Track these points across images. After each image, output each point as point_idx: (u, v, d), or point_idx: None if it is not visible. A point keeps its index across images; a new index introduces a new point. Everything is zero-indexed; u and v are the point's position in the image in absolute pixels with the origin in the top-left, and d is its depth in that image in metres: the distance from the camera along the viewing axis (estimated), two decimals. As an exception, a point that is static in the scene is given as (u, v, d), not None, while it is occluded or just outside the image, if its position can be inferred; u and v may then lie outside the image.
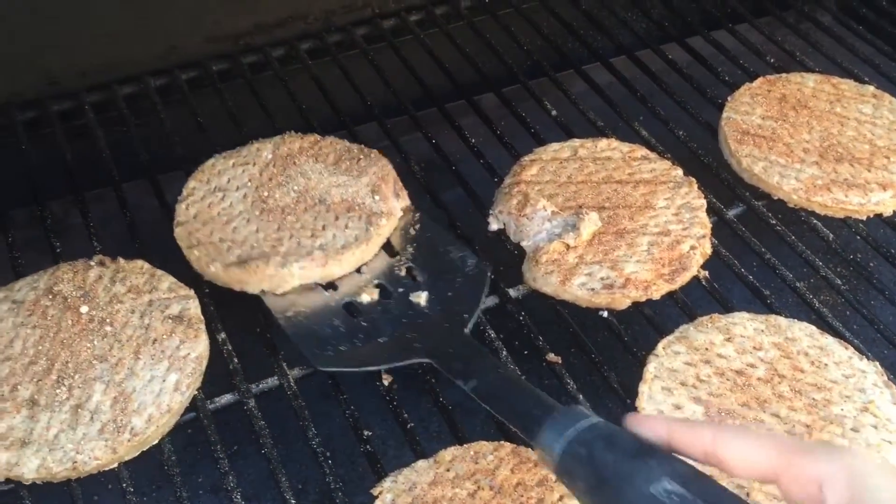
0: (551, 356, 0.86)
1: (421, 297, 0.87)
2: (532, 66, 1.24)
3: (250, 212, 0.92)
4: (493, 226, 0.97)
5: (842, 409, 0.78)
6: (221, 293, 0.92)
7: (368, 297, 0.88)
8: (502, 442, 0.76)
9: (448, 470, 0.74)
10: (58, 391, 0.79)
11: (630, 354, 0.86)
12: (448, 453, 0.75)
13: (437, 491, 0.72)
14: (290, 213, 0.91)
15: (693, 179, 0.98)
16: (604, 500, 0.55)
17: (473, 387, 0.73)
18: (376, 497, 0.73)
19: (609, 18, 1.33)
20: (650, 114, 1.14)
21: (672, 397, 0.79)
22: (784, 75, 1.14)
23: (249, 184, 0.95)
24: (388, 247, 0.93)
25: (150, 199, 1.04)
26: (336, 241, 0.89)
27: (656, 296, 0.88)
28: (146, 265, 0.90)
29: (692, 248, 0.90)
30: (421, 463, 0.75)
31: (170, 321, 0.85)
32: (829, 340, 0.84)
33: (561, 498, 0.72)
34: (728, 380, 0.80)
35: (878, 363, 0.83)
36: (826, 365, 0.82)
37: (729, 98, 1.11)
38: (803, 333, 0.85)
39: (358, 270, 0.90)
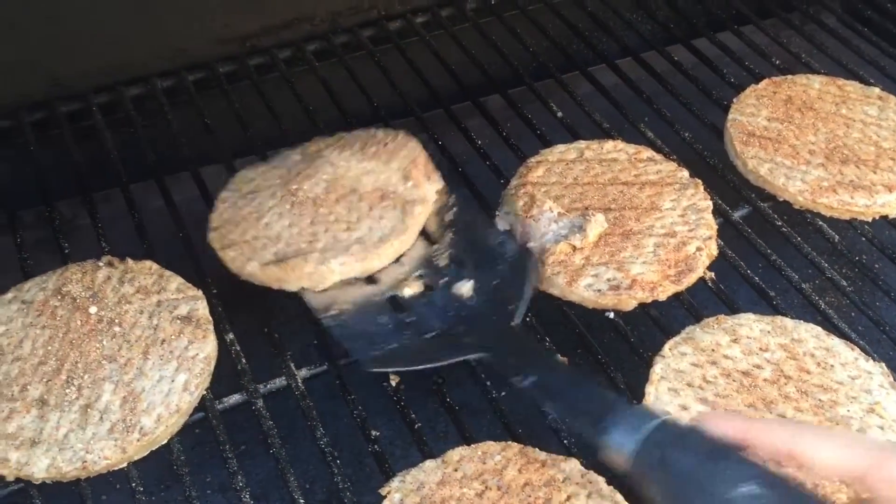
0: (558, 357, 0.86)
1: (465, 288, 0.84)
2: (538, 68, 1.24)
3: (281, 206, 0.89)
4: (500, 227, 0.97)
5: (848, 411, 0.78)
6: (230, 294, 0.92)
7: (411, 290, 0.85)
8: (510, 442, 0.77)
9: (456, 470, 0.74)
10: (67, 391, 0.80)
11: (636, 355, 0.86)
12: (456, 453, 0.76)
13: (445, 491, 0.73)
14: (321, 204, 0.88)
15: (699, 181, 0.98)
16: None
17: (531, 383, 0.69)
18: (384, 497, 0.73)
19: (614, 20, 1.33)
20: (656, 115, 1.15)
21: (678, 398, 0.80)
22: (789, 77, 1.14)
23: (279, 181, 0.92)
24: (424, 232, 0.90)
25: (157, 200, 1.05)
26: (373, 234, 0.86)
27: (662, 297, 0.88)
28: (154, 266, 0.91)
29: (698, 249, 0.91)
30: (429, 463, 0.76)
31: (178, 322, 0.85)
32: (835, 342, 0.84)
33: (568, 498, 0.72)
34: (734, 381, 0.81)
35: (884, 364, 0.83)
36: (832, 366, 0.82)
37: (734, 100, 1.11)
38: (809, 335, 0.85)
39: (397, 259, 0.87)
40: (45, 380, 0.81)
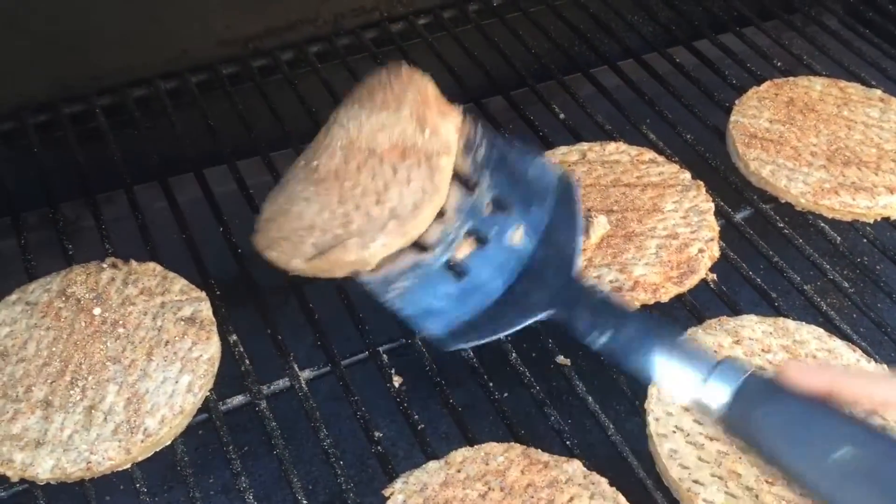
0: (560, 358, 0.87)
1: (517, 236, 0.77)
2: (540, 70, 1.24)
3: (306, 189, 0.82)
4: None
5: (850, 412, 0.78)
6: (233, 295, 0.92)
7: (464, 250, 0.79)
8: (512, 443, 0.77)
9: (459, 471, 0.75)
10: (71, 392, 0.80)
11: (639, 357, 0.86)
12: (459, 454, 0.76)
13: (448, 492, 0.73)
14: (344, 177, 0.81)
15: (701, 183, 0.99)
16: (779, 465, 0.53)
17: (607, 340, 0.64)
18: (388, 498, 0.74)
19: (616, 22, 1.34)
20: (658, 117, 1.15)
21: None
22: (791, 79, 1.14)
23: (303, 162, 0.85)
24: (456, 174, 0.81)
25: (160, 202, 1.05)
26: (405, 201, 0.78)
27: (665, 298, 0.88)
28: (158, 267, 0.91)
29: (700, 250, 0.91)
30: (432, 464, 0.76)
31: (182, 323, 0.86)
32: (836, 343, 0.85)
33: (571, 499, 0.72)
34: (736, 382, 0.81)
35: (885, 366, 0.83)
36: (834, 367, 0.82)
37: (736, 101, 1.11)
38: (811, 336, 0.85)
39: (439, 214, 0.80)
40: (49, 381, 0.81)
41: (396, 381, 0.85)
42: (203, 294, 0.89)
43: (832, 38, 1.29)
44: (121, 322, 0.86)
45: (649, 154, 1.03)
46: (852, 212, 0.98)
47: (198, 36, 1.22)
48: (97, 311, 0.86)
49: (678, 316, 0.89)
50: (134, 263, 0.91)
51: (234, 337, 0.88)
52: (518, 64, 1.24)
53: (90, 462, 0.76)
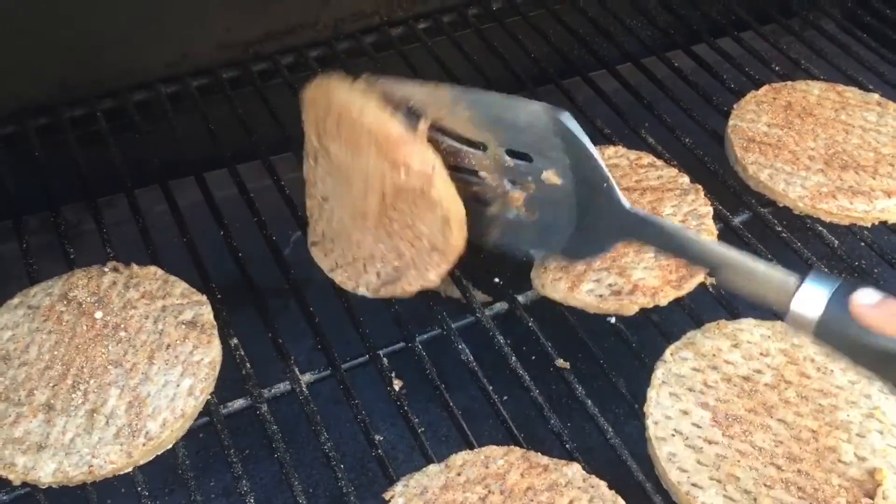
0: (560, 361, 0.87)
1: (551, 175, 0.80)
2: (539, 74, 1.25)
3: (356, 217, 0.87)
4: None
5: (848, 415, 0.79)
6: (234, 298, 0.93)
7: (517, 204, 0.83)
8: (512, 447, 0.78)
9: (459, 474, 0.75)
10: (73, 396, 0.81)
11: (637, 360, 0.87)
12: (459, 458, 0.76)
13: (449, 495, 0.73)
14: (382, 213, 0.84)
15: (699, 186, 0.99)
16: (871, 367, 0.62)
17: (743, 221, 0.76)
18: (388, 501, 0.74)
19: (615, 26, 1.34)
20: (656, 121, 1.15)
21: (680, 403, 0.80)
22: (789, 83, 1.15)
23: (335, 183, 0.87)
24: (470, 142, 0.83)
25: (161, 205, 1.05)
26: (433, 230, 0.82)
27: (664, 302, 0.89)
28: (159, 271, 0.92)
29: (699, 254, 0.91)
30: (432, 467, 0.76)
31: (183, 327, 0.86)
32: (834, 347, 0.85)
33: (571, 502, 0.73)
34: (735, 385, 0.81)
35: (883, 369, 0.84)
36: (832, 371, 0.82)
37: (735, 105, 1.12)
38: (809, 340, 0.85)
39: (475, 174, 0.83)
40: (51, 384, 0.81)
41: (397, 384, 0.85)
42: (204, 298, 0.89)
43: (830, 43, 1.29)
44: (122, 326, 0.86)
45: (648, 158, 1.04)
46: (850, 215, 0.99)
47: (198, 40, 1.23)
48: (99, 314, 0.87)
49: (677, 320, 0.90)
50: (135, 267, 0.92)
51: (235, 340, 0.88)
52: (517, 68, 1.24)
53: (92, 465, 0.77)
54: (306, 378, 0.86)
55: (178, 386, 0.81)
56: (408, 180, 0.79)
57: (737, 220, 1.00)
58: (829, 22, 1.36)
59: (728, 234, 0.98)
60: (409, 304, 0.90)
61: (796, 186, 1.00)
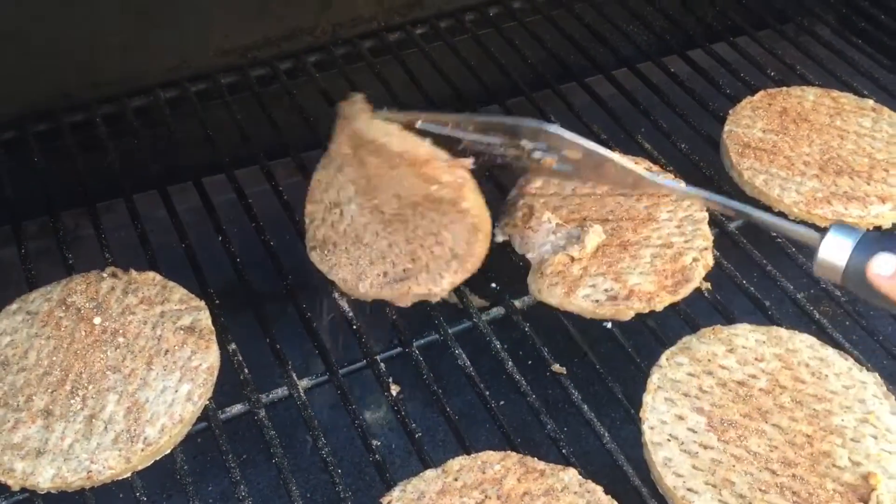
0: (556, 367, 0.88)
1: (570, 151, 0.87)
2: (535, 79, 1.25)
3: (374, 224, 0.90)
4: (499, 237, 0.98)
5: (842, 420, 0.79)
6: (232, 304, 0.93)
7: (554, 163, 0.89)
8: (509, 452, 0.78)
9: (456, 479, 0.75)
10: (72, 401, 0.81)
11: (633, 365, 0.87)
12: (456, 463, 0.77)
13: (446, 500, 0.74)
14: (404, 220, 0.89)
15: (695, 192, 1.00)
16: None
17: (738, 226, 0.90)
18: (385, 506, 0.74)
19: (611, 31, 1.35)
20: (652, 126, 1.16)
21: (675, 408, 0.81)
22: (784, 89, 1.16)
23: (357, 193, 0.92)
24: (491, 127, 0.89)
25: (159, 211, 1.06)
26: (458, 240, 0.87)
27: (659, 307, 0.89)
28: (158, 277, 0.92)
29: (695, 260, 0.92)
30: (429, 472, 0.77)
31: (181, 332, 0.86)
32: (829, 351, 0.86)
33: (567, 507, 0.73)
34: (730, 390, 0.82)
35: (877, 374, 0.84)
36: (826, 376, 0.83)
37: (730, 111, 1.12)
38: (804, 345, 0.86)
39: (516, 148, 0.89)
40: (49, 390, 0.82)
41: (394, 389, 0.86)
42: (202, 303, 0.90)
43: (825, 48, 1.30)
44: (121, 331, 0.86)
45: (644, 163, 1.04)
46: (845, 221, 0.99)
47: (197, 46, 1.23)
48: (97, 320, 0.87)
49: (672, 325, 0.90)
50: (133, 273, 0.92)
51: (233, 346, 0.89)
52: (514, 73, 1.25)
53: (90, 471, 0.77)
54: (304, 383, 0.87)
55: (176, 391, 0.82)
56: (439, 192, 0.86)
57: (732, 226, 1.01)
58: (824, 28, 1.37)
59: (723, 239, 0.99)
60: (406, 310, 0.90)
61: (791, 192, 1.01)
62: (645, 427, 0.80)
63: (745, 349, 0.85)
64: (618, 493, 0.75)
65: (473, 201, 0.87)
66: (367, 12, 1.31)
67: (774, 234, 0.94)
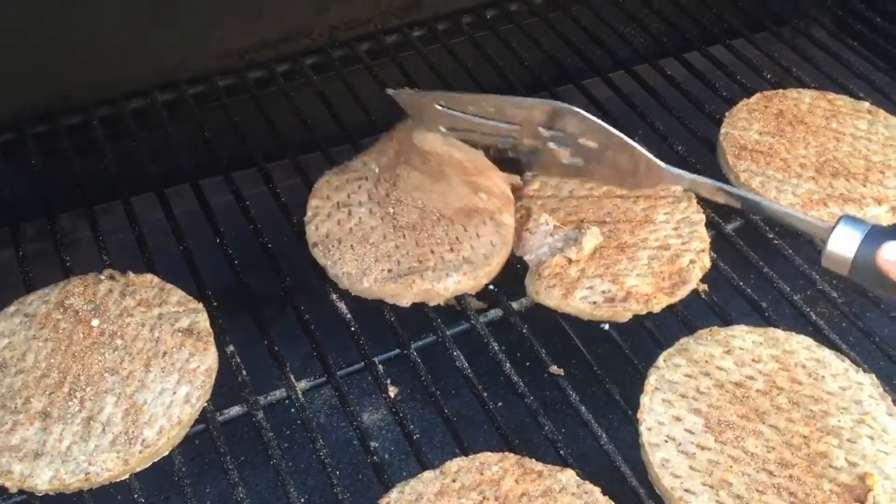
0: (554, 368, 0.88)
1: (587, 140, 0.91)
2: (532, 82, 1.26)
3: (384, 227, 0.93)
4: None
5: (839, 421, 0.80)
6: (230, 306, 0.93)
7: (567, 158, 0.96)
8: (507, 453, 0.78)
9: (454, 481, 0.76)
10: (70, 403, 0.81)
11: (631, 367, 0.88)
12: (454, 464, 0.77)
13: (444, 501, 0.74)
14: (420, 229, 0.93)
15: (692, 194, 1.00)
16: None
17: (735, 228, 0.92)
18: (384, 507, 0.75)
19: (608, 33, 1.35)
20: (649, 129, 1.16)
21: (672, 409, 0.81)
22: (781, 91, 1.16)
23: (370, 200, 0.96)
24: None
25: (157, 213, 1.06)
26: (477, 252, 0.91)
27: (657, 309, 0.90)
28: (155, 279, 0.92)
29: (691, 261, 0.92)
30: (427, 474, 0.77)
31: (179, 334, 0.86)
32: (826, 353, 0.86)
33: (565, 508, 0.73)
34: (727, 392, 0.82)
35: (874, 375, 0.84)
36: (823, 377, 0.83)
37: (727, 113, 1.13)
38: (801, 346, 0.86)
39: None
40: (48, 392, 0.82)
41: (392, 391, 0.86)
42: (200, 305, 0.90)
43: (821, 51, 1.30)
44: (119, 333, 0.86)
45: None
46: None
47: (194, 48, 1.23)
48: (95, 322, 0.87)
49: (669, 326, 0.91)
50: (131, 275, 0.92)
51: (231, 348, 0.89)
52: (511, 76, 1.25)
53: (88, 473, 0.77)
54: (302, 385, 0.87)
55: (174, 393, 0.82)
56: (487, 202, 0.93)
57: (729, 228, 1.01)
58: (820, 30, 1.37)
59: (720, 241, 0.99)
60: (404, 312, 0.90)
61: (787, 194, 1.01)
62: (642, 428, 0.80)
63: (742, 350, 0.85)
64: (615, 494, 0.75)
65: (513, 217, 0.94)
66: (364, 15, 1.31)
67: (779, 227, 0.96)
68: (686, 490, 0.76)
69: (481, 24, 1.35)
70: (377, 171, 0.99)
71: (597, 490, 0.75)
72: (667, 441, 0.79)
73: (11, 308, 0.89)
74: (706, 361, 0.84)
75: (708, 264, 0.94)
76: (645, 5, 1.40)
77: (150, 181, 1.09)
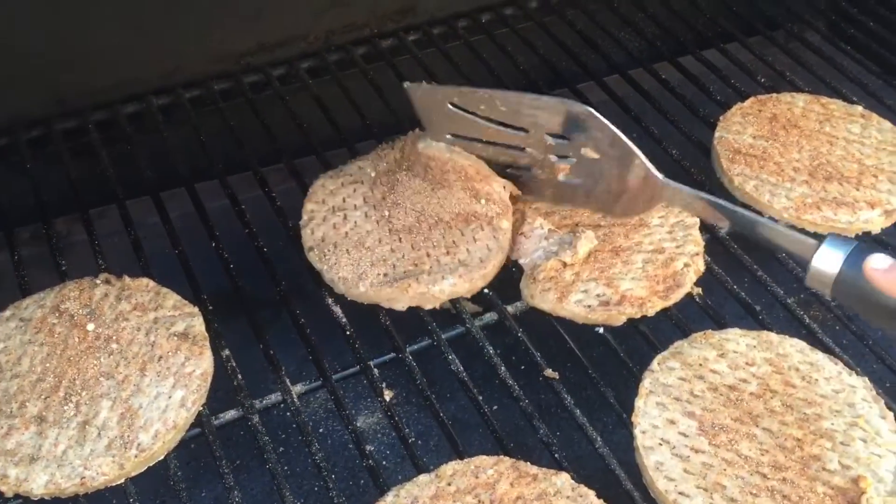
0: (548, 371, 0.88)
1: (590, 151, 0.91)
2: (527, 85, 1.26)
3: (379, 231, 0.93)
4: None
5: (832, 424, 0.80)
6: (225, 310, 0.93)
7: (564, 172, 0.94)
8: (502, 456, 0.78)
9: (449, 484, 0.76)
10: (65, 408, 0.81)
11: (625, 370, 0.88)
12: (449, 468, 0.77)
13: (439, 505, 0.74)
14: (416, 232, 0.93)
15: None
16: (884, 324, 0.71)
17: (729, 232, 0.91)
18: (379, 511, 0.75)
19: (603, 38, 1.36)
20: (643, 132, 1.17)
21: (667, 412, 0.81)
22: (774, 95, 1.16)
23: (365, 203, 0.96)
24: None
25: (153, 217, 1.06)
26: (472, 256, 0.91)
27: (651, 312, 0.90)
28: (151, 283, 0.92)
29: (686, 265, 0.93)
30: (422, 477, 0.77)
31: (175, 338, 0.86)
32: (819, 356, 0.86)
33: (559, 511, 0.73)
34: (721, 395, 0.82)
35: (867, 378, 0.85)
36: (816, 380, 0.84)
37: (721, 117, 1.13)
38: (794, 349, 0.87)
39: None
40: (43, 397, 0.82)
41: (387, 394, 0.86)
42: (196, 309, 0.90)
43: (814, 55, 1.31)
44: (114, 338, 0.86)
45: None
46: (834, 226, 1.00)
47: (190, 52, 1.23)
48: (91, 326, 0.87)
49: (664, 329, 0.91)
50: (127, 279, 0.92)
51: (227, 352, 0.89)
52: (506, 79, 1.25)
53: (84, 477, 0.77)
54: (297, 389, 0.87)
55: (169, 397, 0.82)
56: (485, 207, 0.94)
57: (723, 231, 1.02)
58: (814, 34, 1.38)
59: (714, 244, 1.00)
60: (400, 316, 0.91)
61: (781, 197, 1.02)
62: (637, 431, 0.80)
63: (736, 354, 0.86)
64: (610, 498, 0.76)
65: (510, 223, 0.94)
66: (360, 19, 1.32)
67: (768, 250, 0.93)
68: (680, 493, 0.76)
69: (476, 28, 1.36)
70: (373, 174, 0.99)
71: (591, 493, 0.75)
72: (661, 444, 0.79)
73: (7, 312, 0.90)
74: (700, 364, 0.85)
75: (702, 268, 0.94)
76: (639, 9, 1.41)
77: (145, 185, 1.09)
